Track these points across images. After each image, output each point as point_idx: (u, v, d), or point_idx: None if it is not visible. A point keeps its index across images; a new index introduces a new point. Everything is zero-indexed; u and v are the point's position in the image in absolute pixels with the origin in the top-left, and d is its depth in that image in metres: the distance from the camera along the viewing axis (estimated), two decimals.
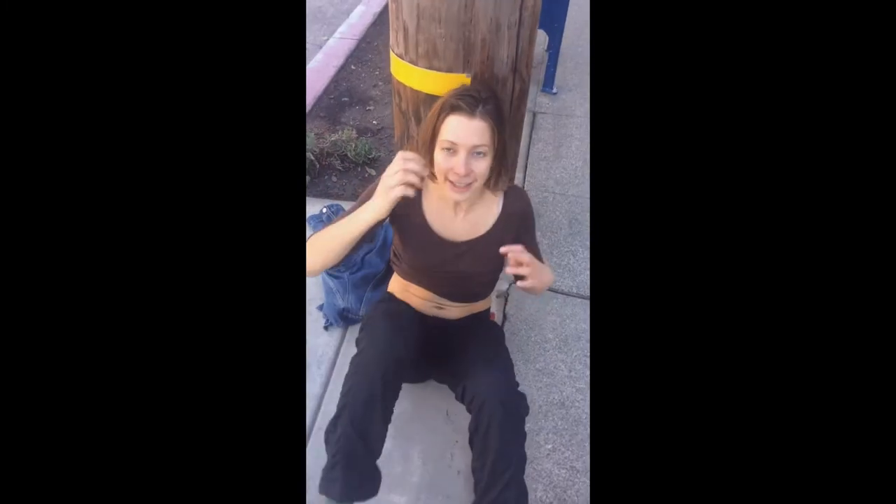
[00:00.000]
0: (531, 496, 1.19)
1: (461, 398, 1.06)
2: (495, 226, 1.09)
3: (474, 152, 0.93)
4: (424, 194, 1.09)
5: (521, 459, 0.99)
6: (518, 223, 1.10)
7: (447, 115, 0.93)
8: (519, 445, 1.00)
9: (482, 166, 0.95)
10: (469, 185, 0.96)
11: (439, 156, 0.96)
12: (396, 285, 1.26)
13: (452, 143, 0.93)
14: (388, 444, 1.28)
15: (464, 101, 0.92)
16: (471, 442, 1.02)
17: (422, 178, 0.92)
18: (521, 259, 0.90)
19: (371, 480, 1.01)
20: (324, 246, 0.98)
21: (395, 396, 1.03)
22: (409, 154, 0.92)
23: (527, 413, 1.04)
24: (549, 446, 1.28)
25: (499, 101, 0.98)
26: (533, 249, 1.10)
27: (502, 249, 0.91)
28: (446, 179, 0.97)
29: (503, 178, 1.04)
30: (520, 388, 1.06)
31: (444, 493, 1.19)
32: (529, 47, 1.14)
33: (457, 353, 1.15)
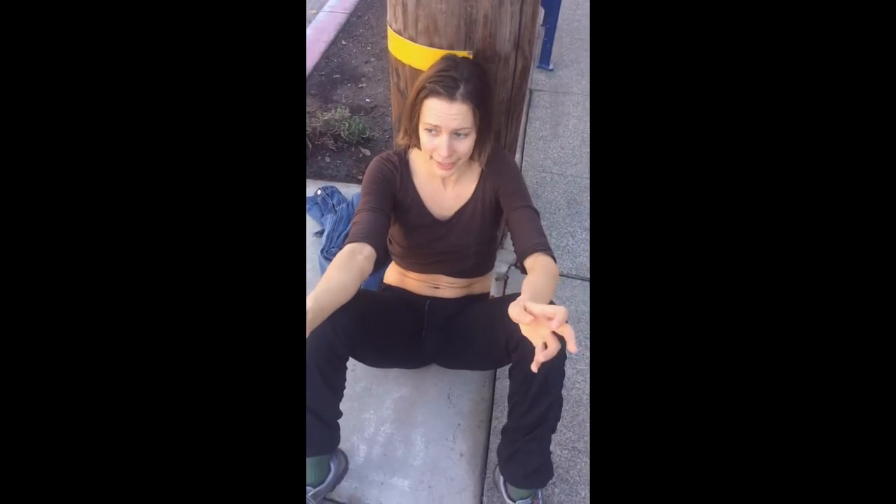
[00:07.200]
0: None
1: (504, 348, 1.01)
2: (475, 192, 1.11)
3: (456, 134, 0.94)
4: (413, 171, 1.09)
5: (563, 376, 1.01)
6: (494, 179, 1.07)
7: (426, 96, 0.93)
8: (562, 364, 1.00)
9: (465, 146, 0.96)
10: (454, 163, 0.98)
11: (424, 136, 0.97)
12: (393, 275, 1.27)
13: (434, 125, 0.93)
14: (390, 429, 1.30)
15: (442, 85, 0.91)
16: (511, 372, 1.02)
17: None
18: (534, 318, 0.75)
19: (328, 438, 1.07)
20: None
21: (338, 369, 1.00)
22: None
23: None
24: None
25: (482, 77, 0.97)
26: (520, 191, 1.06)
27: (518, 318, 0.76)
28: (431, 157, 0.98)
29: (488, 149, 1.04)
30: None
31: (447, 476, 1.19)
32: (532, 22, 1.10)
33: (462, 332, 1.15)
